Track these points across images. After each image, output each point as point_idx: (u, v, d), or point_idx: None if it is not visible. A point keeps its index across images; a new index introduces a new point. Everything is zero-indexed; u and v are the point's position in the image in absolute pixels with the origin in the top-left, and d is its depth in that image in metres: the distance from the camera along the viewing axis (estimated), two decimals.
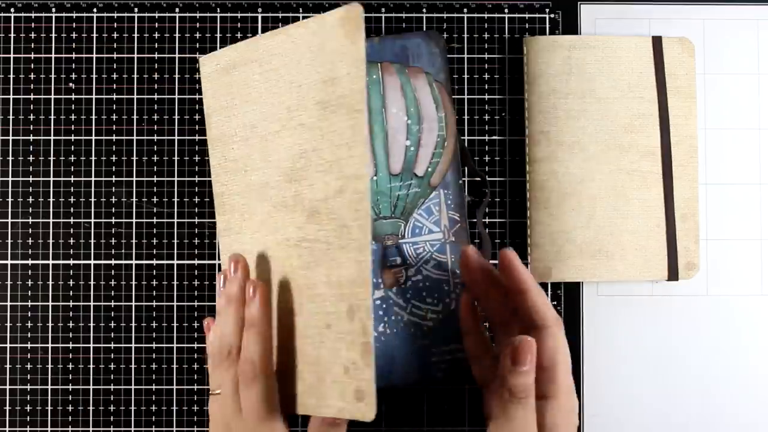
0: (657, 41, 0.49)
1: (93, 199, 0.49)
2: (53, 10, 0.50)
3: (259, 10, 0.50)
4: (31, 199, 0.49)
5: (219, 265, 0.49)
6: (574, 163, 0.48)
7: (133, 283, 0.49)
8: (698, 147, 0.49)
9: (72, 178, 0.49)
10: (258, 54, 0.43)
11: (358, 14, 0.39)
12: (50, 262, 0.49)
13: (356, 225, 0.39)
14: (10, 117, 0.49)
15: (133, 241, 0.49)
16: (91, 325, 0.49)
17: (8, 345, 0.49)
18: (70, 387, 0.49)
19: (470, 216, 0.48)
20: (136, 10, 0.50)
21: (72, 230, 0.49)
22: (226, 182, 0.46)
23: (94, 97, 0.49)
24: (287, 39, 0.42)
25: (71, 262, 0.49)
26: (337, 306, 0.39)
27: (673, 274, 0.48)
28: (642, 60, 0.48)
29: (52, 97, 0.49)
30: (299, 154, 0.42)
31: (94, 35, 0.50)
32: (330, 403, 0.40)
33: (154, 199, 0.49)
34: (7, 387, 0.48)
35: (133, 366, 0.49)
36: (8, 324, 0.49)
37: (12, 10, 0.50)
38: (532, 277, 0.41)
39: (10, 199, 0.49)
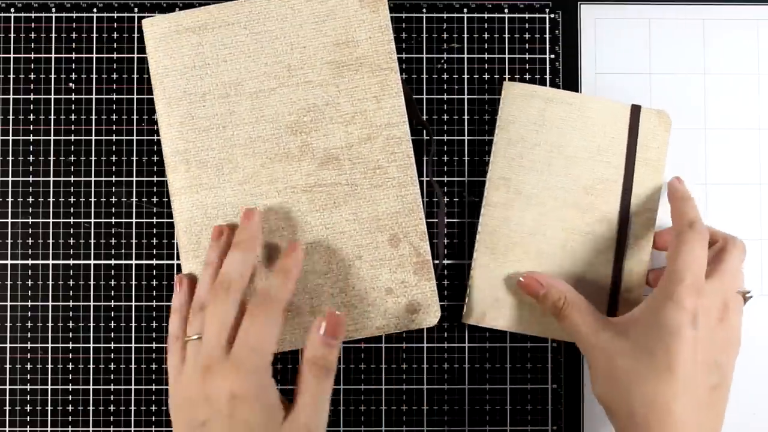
0: (635, 110, 0.48)
1: (93, 199, 0.49)
2: (53, 10, 0.50)
3: None
4: (31, 199, 0.49)
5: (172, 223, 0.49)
6: (529, 214, 0.47)
7: (133, 283, 0.49)
8: (697, 151, 0.49)
9: (72, 178, 0.49)
10: (240, 17, 0.47)
11: None
12: (50, 262, 0.49)
13: (394, 166, 0.46)
14: (10, 117, 0.49)
15: (133, 241, 0.49)
16: (91, 325, 0.49)
17: (8, 345, 0.49)
18: (70, 387, 0.49)
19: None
20: (135, 10, 0.50)
21: (72, 230, 0.49)
22: (193, 139, 0.47)
23: (94, 97, 0.49)
24: (283, 4, 0.47)
25: (71, 262, 0.49)
26: (373, 237, 0.46)
27: None
28: (617, 125, 0.48)
29: (52, 97, 0.49)
30: (306, 108, 0.46)
31: (94, 35, 0.50)
32: (366, 324, 0.46)
33: (154, 199, 0.49)
34: (7, 387, 0.48)
35: (133, 366, 0.49)
36: (8, 324, 0.49)
37: (12, 10, 0.50)
38: (681, 191, 0.45)
39: (10, 199, 0.49)
